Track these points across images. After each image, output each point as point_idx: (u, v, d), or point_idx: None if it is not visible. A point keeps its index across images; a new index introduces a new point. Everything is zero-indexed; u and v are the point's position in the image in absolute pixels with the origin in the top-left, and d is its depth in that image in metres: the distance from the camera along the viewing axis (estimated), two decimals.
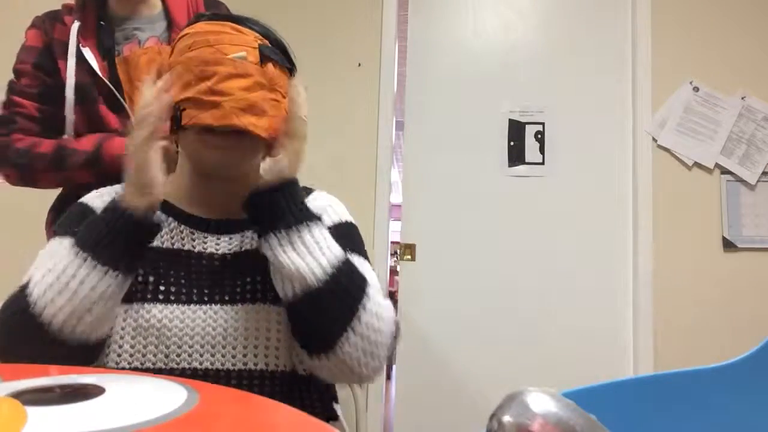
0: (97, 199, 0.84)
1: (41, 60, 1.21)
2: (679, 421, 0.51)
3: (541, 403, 0.35)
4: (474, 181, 2.50)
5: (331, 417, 0.85)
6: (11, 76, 1.25)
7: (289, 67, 0.85)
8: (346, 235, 0.85)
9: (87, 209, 0.82)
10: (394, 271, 4.39)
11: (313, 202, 0.87)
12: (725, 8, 2.49)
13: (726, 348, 2.24)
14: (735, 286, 2.36)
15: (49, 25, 1.24)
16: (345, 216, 0.89)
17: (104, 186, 0.93)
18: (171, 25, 1.27)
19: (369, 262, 0.87)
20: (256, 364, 0.75)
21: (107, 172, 1.09)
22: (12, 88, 1.21)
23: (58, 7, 1.27)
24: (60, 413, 0.33)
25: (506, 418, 0.35)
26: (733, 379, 0.53)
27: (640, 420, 0.51)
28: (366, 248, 0.90)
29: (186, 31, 0.81)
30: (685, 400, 0.52)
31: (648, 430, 0.51)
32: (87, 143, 1.15)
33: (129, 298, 0.75)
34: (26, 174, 1.19)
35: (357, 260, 0.82)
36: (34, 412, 0.33)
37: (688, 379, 0.52)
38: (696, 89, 2.45)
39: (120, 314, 0.74)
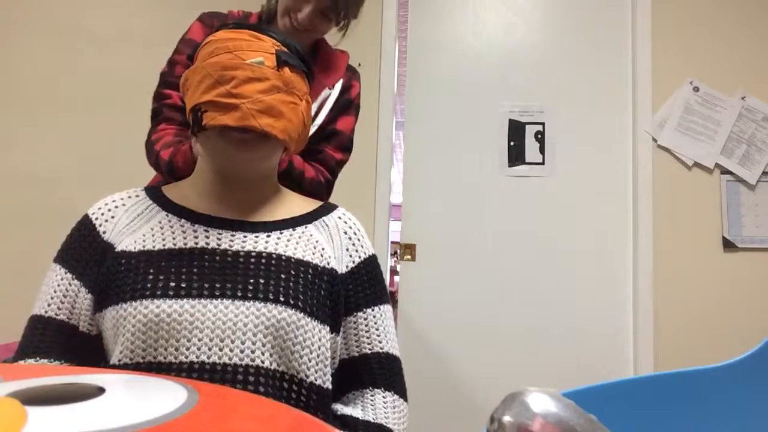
0: (107, 211, 0.87)
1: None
2: (679, 421, 0.51)
3: (541, 403, 0.35)
4: (474, 181, 2.50)
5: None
6: None
7: (305, 71, 0.90)
8: (375, 279, 0.91)
9: (89, 228, 0.85)
10: (394, 271, 4.39)
11: (341, 222, 0.93)
12: (725, 8, 2.49)
13: (726, 348, 2.25)
14: (735, 286, 2.36)
15: (214, 25, 1.23)
16: (369, 246, 0.94)
17: None
18: (317, 63, 1.28)
19: (390, 301, 0.94)
20: (263, 362, 0.75)
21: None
22: (162, 80, 1.20)
23: (224, 10, 1.28)
24: (60, 413, 0.33)
25: (506, 418, 0.35)
26: (733, 379, 0.53)
27: (640, 420, 0.51)
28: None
29: (209, 38, 0.86)
30: (685, 400, 0.52)
31: (648, 430, 0.51)
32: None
33: (140, 295, 0.76)
34: (159, 171, 1.15)
35: (384, 319, 0.90)
36: (34, 412, 0.33)
37: (688, 379, 0.52)
38: (696, 89, 2.45)
39: (130, 311, 0.75)
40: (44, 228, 1.36)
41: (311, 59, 1.31)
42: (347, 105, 1.30)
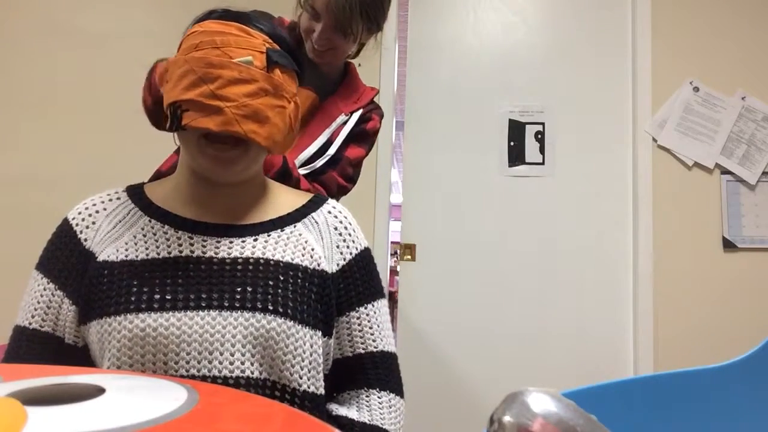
0: (87, 216, 0.83)
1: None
2: (679, 421, 0.51)
3: (541, 403, 0.35)
4: (474, 181, 2.50)
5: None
6: None
7: (296, 70, 0.85)
8: (367, 275, 0.88)
9: (69, 234, 0.82)
10: (394, 271, 4.39)
11: (331, 217, 0.89)
12: (725, 8, 2.49)
13: (726, 348, 2.24)
14: (735, 286, 2.36)
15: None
16: (361, 239, 0.91)
17: None
18: (340, 88, 1.29)
19: (384, 294, 0.91)
20: (252, 373, 0.74)
21: None
22: None
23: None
24: (60, 413, 0.33)
25: (506, 418, 0.34)
26: (733, 379, 0.53)
27: (640, 420, 0.51)
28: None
29: (194, 28, 0.81)
30: (685, 400, 0.52)
31: (648, 430, 0.51)
32: None
33: (124, 309, 0.73)
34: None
35: (378, 316, 0.88)
36: (34, 412, 0.33)
37: (688, 379, 0.52)
38: (696, 89, 2.45)
39: (115, 326, 0.73)
40: (43, 228, 1.36)
41: (338, 82, 1.30)
42: (360, 135, 1.29)
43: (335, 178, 1.23)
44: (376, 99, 1.36)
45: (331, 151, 1.22)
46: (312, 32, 1.18)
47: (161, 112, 0.94)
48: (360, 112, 1.28)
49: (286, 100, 0.81)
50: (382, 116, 1.34)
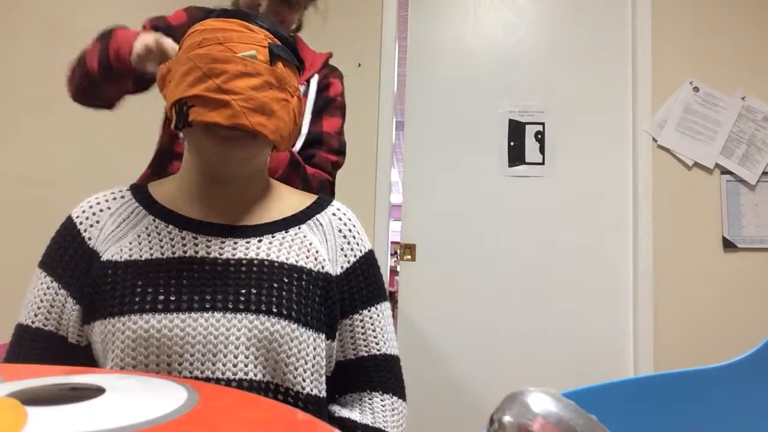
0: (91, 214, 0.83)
1: (162, 29, 1.14)
2: (679, 421, 0.51)
3: (541, 403, 0.35)
4: (474, 181, 2.50)
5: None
6: None
7: (297, 65, 0.85)
8: (371, 278, 0.88)
9: (73, 233, 0.82)
10: (394, 271, 4.39)
11: (335, 219, 0.89)
12: (725, 8, 2.49)
13: (726, 348, 2.25)
14: (735, 286, 2.36)
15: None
16: (365, 241, 0.90)
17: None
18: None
19: (387, 297, 0.91)
20: (255, 375, 0.73)
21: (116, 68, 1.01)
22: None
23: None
24: (60, 413, 0.33)
25: (506, 418, 0.35)
26: (733, 379, 0.53)
27: (640, 420, 0.51)
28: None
29: (195, 27, 0.81)
30: (685, 400, 0.52)
31: (648, 430, 0.51)
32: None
33: (128, 310, 0.73)
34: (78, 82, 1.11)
35: (381, 318, 0.88)
36: (34, 412, 0.33)
37: (688, 379, 0.52)
38: (696, 89, 2.45)
39: (119, 327, 0.72)
40: (43, 228, 1.36)
41: None
42: (328, 104, 1.26)
43: (325, 157, 1.22)
44: (334, 65, 1.34)
45: (305, 129, 1.21)
46: (257, 7, 1.18)
47: (108, 83, 0.97)
48: (316, 78, 1.26)
49: (290, 94, 0.81)
50: (341, 77, 1.32)
